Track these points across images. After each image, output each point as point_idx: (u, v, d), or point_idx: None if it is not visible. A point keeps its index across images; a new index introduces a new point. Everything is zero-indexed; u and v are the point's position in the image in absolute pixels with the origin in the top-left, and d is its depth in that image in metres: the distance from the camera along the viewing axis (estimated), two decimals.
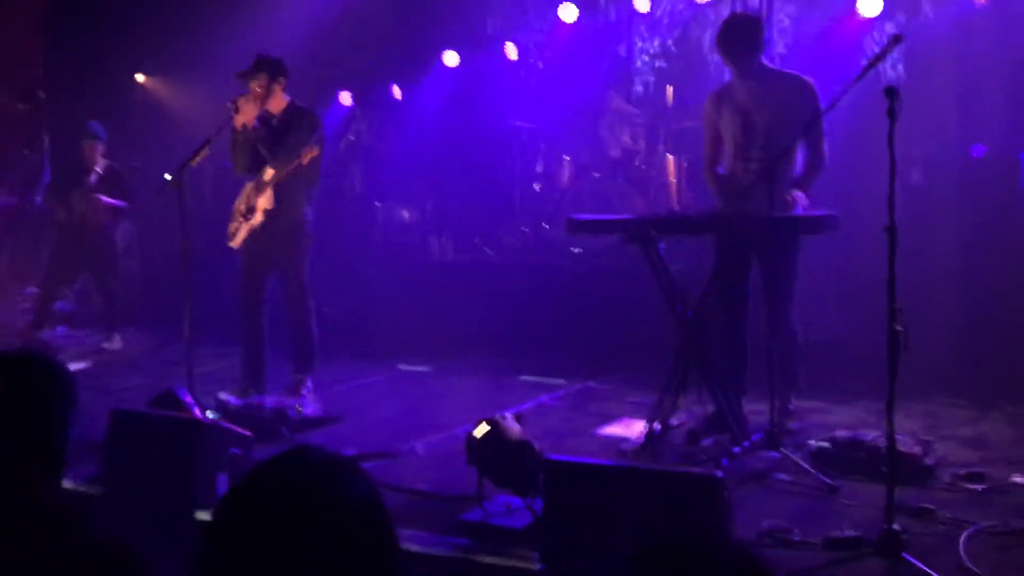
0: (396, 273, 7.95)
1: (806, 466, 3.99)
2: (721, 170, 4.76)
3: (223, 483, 3.88)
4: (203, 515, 3.76)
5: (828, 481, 3.85)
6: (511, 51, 9.02)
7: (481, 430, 3.66)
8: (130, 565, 1.63)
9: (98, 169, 7.33)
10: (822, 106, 4.38)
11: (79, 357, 7.00)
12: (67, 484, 3.94)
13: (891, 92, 3.33)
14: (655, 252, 4.26)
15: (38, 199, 8.46)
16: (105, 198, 7.24)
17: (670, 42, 8.82)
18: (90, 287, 7.94)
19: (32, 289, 7.85)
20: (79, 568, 1.57)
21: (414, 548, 3.36)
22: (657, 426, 4.32)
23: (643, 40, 9.02)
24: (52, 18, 8.77)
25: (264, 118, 5.34)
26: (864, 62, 4.08)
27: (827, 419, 4.87)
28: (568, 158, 8.00)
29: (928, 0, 7.13)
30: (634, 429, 4.68)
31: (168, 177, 4.92)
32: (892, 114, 3.32)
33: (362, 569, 1.23)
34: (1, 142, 8.49)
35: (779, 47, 8.08)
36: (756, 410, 4.65)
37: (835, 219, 4.24)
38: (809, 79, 4.56)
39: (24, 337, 7.12)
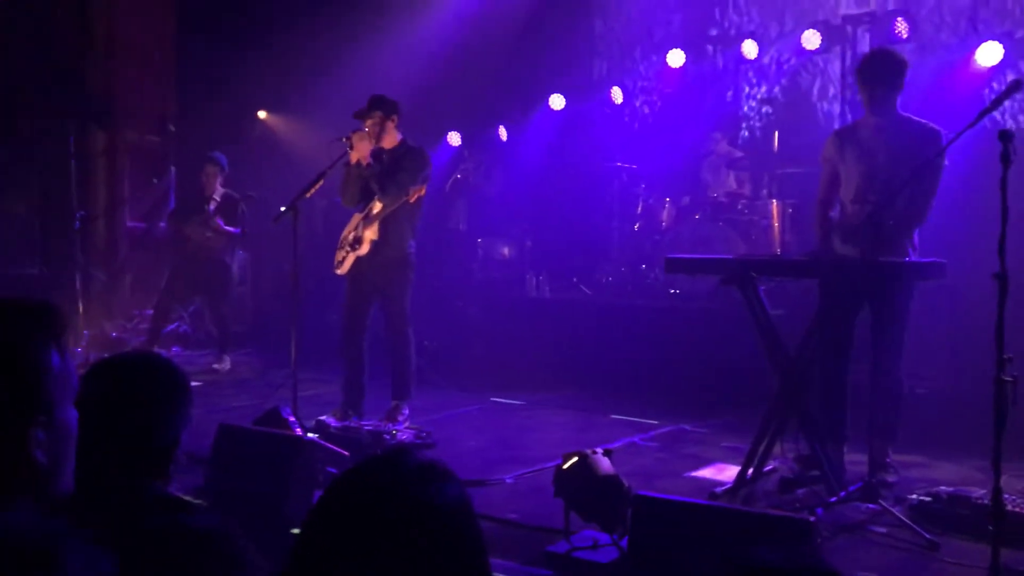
0: (494, 308, 8.08)
1: (905, 520, 3.86)
2: (833, 214, 4.68)
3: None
4: (299, 530, 3.89)
5: (929, 536, 3.71)
6: (617, 95, 9.13)
7: (570, 462, 3.68)
8: (232, 549, 1.72)
9: (216, 197, 7.73)
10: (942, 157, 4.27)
11: (191, 376, 7.32)
12: (173, 493, 4.13)
13: (1005, 136, 3.25)
14: (755, 294, 4.22)
15: (162, 225, 8.96)
16: (221, 222, 7.62)
17: (777, 89, 8.78)
18: (204, 310, 8.34)
19: (150, 310, 8.29)
20: (184, 551, 1.68)
21: None
22: (750, 471, 4.25)
23: (751, 86, 9.01)
24: (182, 56, 9.34)
25: (376, 154, 5.55)
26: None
27: (928, 474, 4.69)
28: (669, 200, 8.01)
29: None
30: (727, 474, 4.61)
31: (283, 208, 5.17)
32: (1006, 158, 3.24)
33: (452, 573, 1.28)
34: (133, 172, 9.05)
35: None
36: (854, 460, 4.54)
37: (942, 267, 4.13)
38: (939, 129, 4.43)
39: None
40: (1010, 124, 6.81)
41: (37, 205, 8.56)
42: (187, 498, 4.05)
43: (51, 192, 8.44)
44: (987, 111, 3.88)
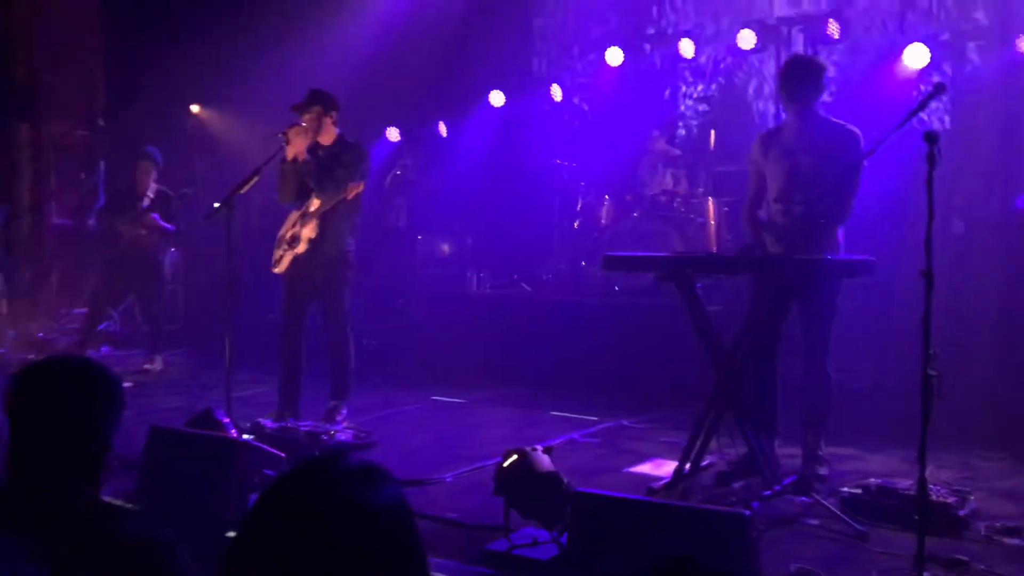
0: (434, 306, 8.05)
1: (837, 512, 3.95)
2: (761, 213, 4.78)
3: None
4: (234, 533, 3.82)
5: (859, 528, 3.81)
6: (556, 92, 9.16)
7: (509, 460, 3.68)
8: (165, 557, 1.68)
9: (149, 194, 7.55)
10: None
11: (121, 377, 7.14)
12: (104, 498, 4.03)
13: (931, 137, 3.34)
14: (691, 291, 4.28)
15: (91, 222, 8.72)
16: (157, 218, 7.45)
17: (714, 87, 8.91)
18: (135, 309, 8.14)
19: (79, 309, 8.06)
20: (116, 562, 1.63)
21: None
22: (687, 466, 4.31)
23: (687, 85, 9.12)
24: (112, 49, 9.10)
25: (313, 150, 5.48)
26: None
27: (860, 466, 4.81)
28: (608, 197, 8.07)
29: (974, 50, 7.14)
30: (665, 469, 4.67)
31: (217, 205, 5.07)
32: (931, 159, 3.33)
33: (389, 573, 1.27)
34: (60, 167, 8.79)
35: (824, 96, 8.13)
36: (789, 454, 4.63)
37: (872, 264, 4.24)
38: (856, 130, 4.57)
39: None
40: (936, 125, 7.02)
41: None
42: (119, 503, 3.97)
43: None
44: (913, 113, 3.99)
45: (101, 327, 7.91)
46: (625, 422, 5.88)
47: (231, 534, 3.81)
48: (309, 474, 1.30)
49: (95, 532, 1.69)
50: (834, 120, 4.65)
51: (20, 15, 8.51)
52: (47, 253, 8.79)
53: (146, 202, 7.50)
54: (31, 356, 7.27)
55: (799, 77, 4.56)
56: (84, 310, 7.86)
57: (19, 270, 8.39)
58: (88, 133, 8.95)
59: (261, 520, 1.27)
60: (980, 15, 7.22)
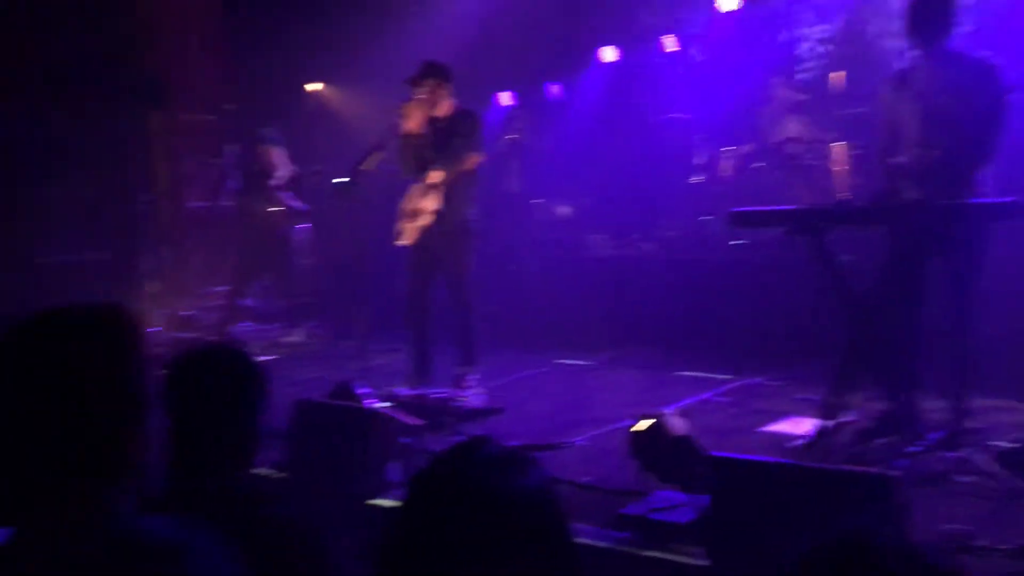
0: (554, 269, 8.04)
1: (991, 468, 3.76)
2: (896, 159, 4.55)
3: (394, 471, 4.07)
4: (375, 501, 3.97)
5: (1017, 483, 3.62)
6: (669, 43, 8.93)
7: (644, 425, 3.67)
8: (306, 542, 1.76)
9: (280, 173, 7.81)
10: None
11: (264, 350, 7.48)
12: (256, 470, 4.24)
13: None
14: (823, 245, 4.12)
15: (224, 203, 9.10)
16: (288, 198, 7.71)
17: (837, 27, 8.49)
18: (272, 284, 8.48)
19: (220, 287, 8.46)
20: (265, 546, 1.71)
21: (577, 540, 3.40)
22: (827, 424, 4.19)
23: (808, 26, 8.72)
24: (235, 35, 9.41)
25: (431, 122, 5.53)
26: None
27: (1016, 418, 4.57)
28: (728, 149, 7.84)
29: None
30: (802, 427, 4.55)
31: (337, 181, 5.20)
32: None
33: (538, 559, 1.28)
34: (190, 152, 9.19)
35: (956, 29, 7.64)
36: (935, 408, 4.43)
37: (1019, 205, 3.97)
38: (996, 62, 4.26)
39: (215, 332, 7.68)
40: None
41: (101, 190, 8.75)
42: (270, 473, 4.15)
43: (114, 176, 8.62)
44: None
45: (242, 303, 8.27)
46: (758, 380, 5.76)
47: (370, 502, 3.96)
48: (452, 465, 1.32)
49: (246, 516, 1.77)
50: (970, 54, 4.34)
51: (148, 9, 8.89)
52: (186, 235, 9.25)
53: (275, 181, 7.77)
54: (180, 334, 7.70)
55: (927, 11, 4.27)
56: (225, 288, 8.25)
57: (162, 253, 8.86)
58: (216, 118, 9.32)
59: (411, 510, 1.30)
60: None
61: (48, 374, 1.25)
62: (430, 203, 5.56)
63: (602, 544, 3.42)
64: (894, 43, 8.09)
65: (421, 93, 5.49)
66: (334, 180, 5.23)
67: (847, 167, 7.16)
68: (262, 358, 7.34)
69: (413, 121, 5.46)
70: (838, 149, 7.25)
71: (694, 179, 8.13)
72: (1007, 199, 4.07)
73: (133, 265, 8.40)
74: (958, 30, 4.36)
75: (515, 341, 7.13)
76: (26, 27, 7.91)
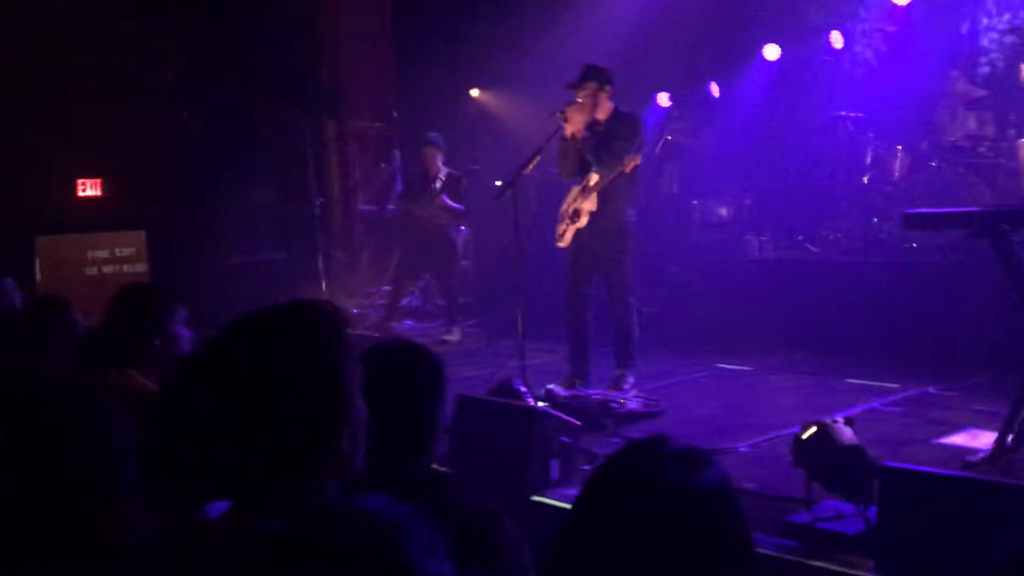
0: (713, 271, 7.92)
1: None
2: None
3: (555, 469, 4.15)
4: (538, 498, 4.05)
5: None
6: (837, 39, 8.61)
7: (809, 432, 3.58)
8: (495, 525, 1.83)
9: (440, 176, 8.08)
10: None
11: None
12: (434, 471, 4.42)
13: None
14: (1009, 248, 3.89)
15: (391, 207, 9.50)
16: (448, 200, 7.97)
17: (1022, 17, 7.94)
18: (433, 285, 8.78)
19: (385, 287, 8.83)
20: (451, 528, 1.80)
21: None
22: (1010, 438, 3.95)
23: (989, 16, 8.21)
24: (401, 44, 9.80)
25: (591, 125, 5.58)
26: None
27: None
28: (901, 147, 7.49)
29: None
30: (981, 440, 4.31)
31: (499, 184, 5.34)
32: None
33: (715, 556, 1.30)
34: (362, 158, 9.65)
35: None
36: None
37: None
38: None
39: (379, 329, 8.02)
40: None
41: (279, 194, 9.33)
42: (435, 467, 4.32)
43: (290, 182, 9.16)
44: None
45: (404, 302, 8.60)
46: (931, 389, 5.48)
47: (536, 498, 4.05)
48: (632, 462, 1.37)
49: (431, 503, 1.87)
50: None
51: (327, 25, 9.40)
52: (356, 237, 9.71)
53: (437, 184, 8.04)
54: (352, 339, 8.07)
55: None
56: (388, 287, 8.60)
57: (334, 254, 9.34)
58: (384, 125, 9.74)
59: (590, 510, 1.35)
60: None
61: (266, 365, 1.36)
62: (589, 204, 5.61)
63: (768, 552, 3.37)
64: None
65: (582, 97, 5.55)
66: (497, 183, 5.37)
67: None
68: None
69: (574, 124, 5.53)
70: (1022, 147, 6.80)
71: (864, 178, 7.81)
72: None
73: (308, 266, 8.89)
74: None
75: (675, 344, 7.07)
76: (213, 41, 8.52)
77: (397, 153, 9.67)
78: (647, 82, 9.34)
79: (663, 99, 9.64)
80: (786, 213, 8.35)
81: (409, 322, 8.72)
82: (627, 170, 5.53)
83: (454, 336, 8.05)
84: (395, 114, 9.73)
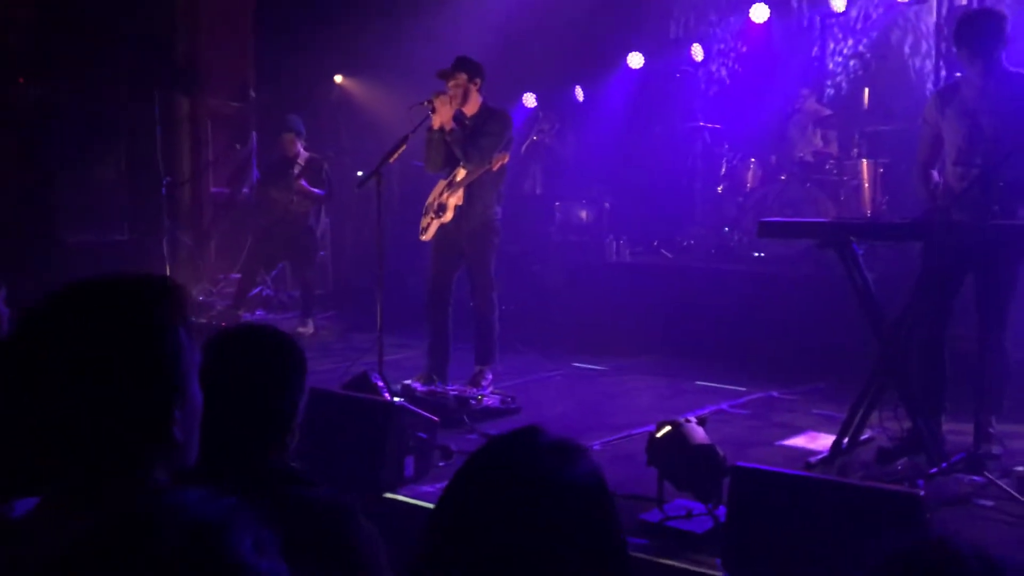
0: (573, 273, 8.01)
1: (1013, 492, 3.71)
2: (934, 175, 4.49)
3: (410, 465, 4.05)
4: (391, 495, 3.94)
5: None
6: (697, 52, 8.90)
7: (663, 431, 3.63)
8: (347, 522, 1.73)
9: (300, 161, 7.81)
10: None
11: None
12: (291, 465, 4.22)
13: None
14: (854, 259, 4.08)
15: (245, 190, 9.11)
16: (307, 185, 7.71)
17: (866, 43, 8.45)
18: (288, 274, 8.47)
19: (235, 274, 8.45)
20: (302, 526, 1.69)
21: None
22: (846, 440, 4.15)
23: (837, 41, 8.69)
24: (262, 23, 9.42)
25: (459, 119, 5.51)
26: None
27: None
28: (754, 160, 7.80)
29: None
30: (820, 442, 4.52)
31: (362, 173, 5.19)
32: None
33: (587, 548, 1.25)
34: (216, 138, 9.20)
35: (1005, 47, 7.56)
36: (953, 431, 4.39)
37: None
38: None
39: (225, 318, 7.67)
40: None
41: (123, 172, 8.76)
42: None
43: (137, 159, 8.63)
44: None
45: (255, 292, 8.27)
46: (775, 393, 5.71)
47: (390, 496, 3.93)
48: (506, 451, 1.30)
49: (283, 496, 1.74)
50: (1021, 72, 4.28)
51: None
52: (206, 221, 9.25)
53: (296, 169, 7.77)
54: (191, 319, 7.68)
55: (980, 28, 4.20)
56: (238, 274, 8.24)
57: (181, 237, 8.87)
58: (241, 105, 9.33)
59: (460, 498, 1.28)
60: None
61: (89, 342, 1.21)
62: (456, 199, 5.54)
63: None
64: (925, 62, 8.06)
65: (452, 87, 5.47)
66: (360, 172, 5.21)
67: (871, 183, 7.12)
68: None
69: (442, 116, 5.44)
70: (864, 165, 7.21)
71: (718, 188, 8.09)
72: None
73: (153, 248, 8.40)
74: (1008, 48, 4.28)
75: (534, 343, 7.10)
76: (57, 9, 7.92)
77: (254, 135, 9.28)
78: (514, 82, 9.36)
79: (529, 100, 9.70)
80: (644, 218, 8.56)
81: (260, 312, 8.38)
82: (494, 168, 5.50)
83: (308, 329, 7.80)
84: (253, 94, 9.33)
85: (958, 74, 4.55)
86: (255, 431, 1.82)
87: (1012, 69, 4.27)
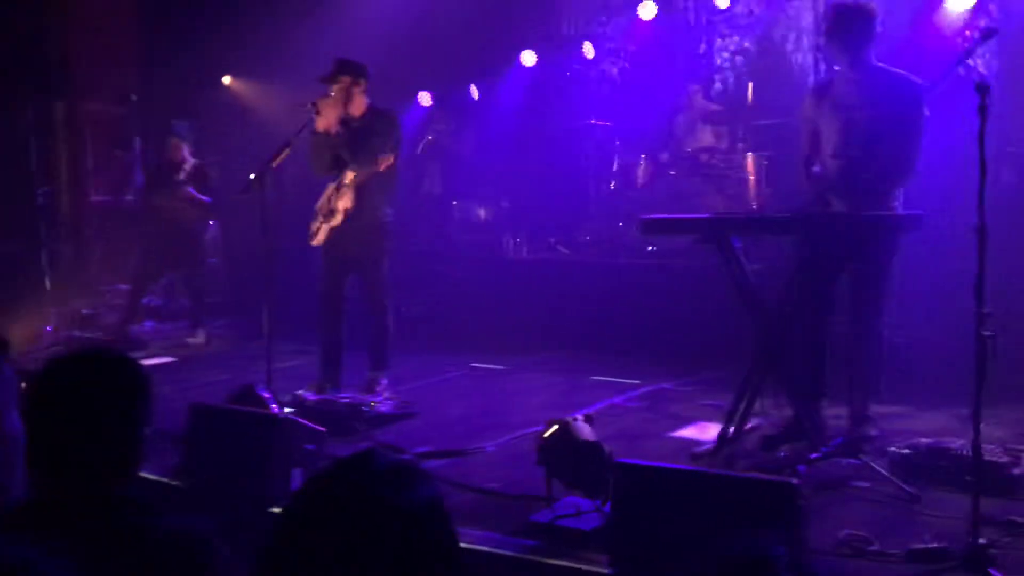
0: (471, 272, 8.00)
1: (887, 474, 3.86)
2: (816, 169, 4.62)
3: (297, 478, 3.96)
4: (278, 509, 3.85)
5: (910, 490, 3.73)
6: (588, 50, 8.99)
7: (551, 431, 3.65)
8: (200, 550, 1.67)
9: (186, 167, 7.58)
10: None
11: (165, 351, 7.25)
12: (150, 475, 4.08)
13: (982, 88, 3.20)
14: (732, 253, 4.17)
15: (129, 198, 8.79)
16: (194, 192, 7.48)
17: (750, 40, 8.67)
18: (177, 283, 8.22)
19: (122, 285, 8.15)
20: (150, 557, 1.62)
21: (483, 548, 3.37)
22: (731, 430, 4.25)
23: (723, 38, 8.89)
24: (144, 24, 9.09)
25: (345, 121, 5.42)
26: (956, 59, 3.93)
27: (910, 426, 4.71)
28: (644, 156, 7.93)
29: None
30: (709, 432, 4.61)
31: (252, 177, 5.06)
32: (983, 111, 3.19)
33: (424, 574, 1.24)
34: (96, 144, 8.84)
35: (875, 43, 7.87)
36: (836, 415, 4.54)
37: (921, 219, 4.09)
38: (917, 80, 4.34)
39: (113, 331, 7.40)
40: (984, 72, 6.75)
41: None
42: (164, 480, 3.99)
43: (10, 167, 8.22)
44: (961, 61, 3.84)
45: (144, 302, 7.99)
46: (667, 385, 5.82)
47: (276, 510, 3.84)
48: (341, 476, 1.27)
49: (127, 527, 1.67)
50: (892, 69, 4.40)
51: None
52: (88, 230, 8.88)
53: (182, 175, 7.54)
54: (80, 333, 7.38)
55: (846, 24, 4.34)
56: (127, 286, 7.95)
57: (60, 248, 8.49)
58: (122, 109, 8.98)
59: (294, 525, 1.25)
60: None
61: None
62: (344, 203, 5.45)
63: (508, 552, 3.39)
64: (807, 57, 8.32)
65: (335, 91, 5.38)
66: (252, 176, 5.07)
67: (757, 176, 7.31)
68: (162, 359, 7.11)
69: (327, 119, 5.35)
70: (749, 159, 7.41)
71: (611, 185, 8.19)
72: (913, 212, 4.20)
73: (30, 261, 8.03)
74: (877, 43, 4.43)
75: (432, 344, 7.08)
76: None
77: (137, 140, 8.96)
78: (409, 81, 9.30)
79: (425, 99, 9.64)
80: (541, 216, 8.61)
81: (149, 323, 8.12)
82: (381, 168, 5.43)
83: (199, 338, 7.59)
84: (135, 97, 9.00)
85: (837, 68, 4.68)
86: (96, 460, 1.73)
87: (880, 65, 4.43)
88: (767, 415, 4.41)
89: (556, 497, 3.62)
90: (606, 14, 9.40)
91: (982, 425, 3.20)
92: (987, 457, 3.67)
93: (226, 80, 9.88)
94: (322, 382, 5.46)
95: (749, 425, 4.44)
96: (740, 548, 1.17)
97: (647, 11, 8.56)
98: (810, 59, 8.14)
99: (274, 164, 5.11)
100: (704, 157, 7.64)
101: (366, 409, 4.91)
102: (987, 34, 3.76)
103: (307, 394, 5.14)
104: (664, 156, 7.94)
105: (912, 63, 5.53)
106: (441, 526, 1.29)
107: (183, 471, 4.09)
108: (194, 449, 4.11)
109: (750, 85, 7.96)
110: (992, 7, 6.88)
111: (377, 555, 1.21)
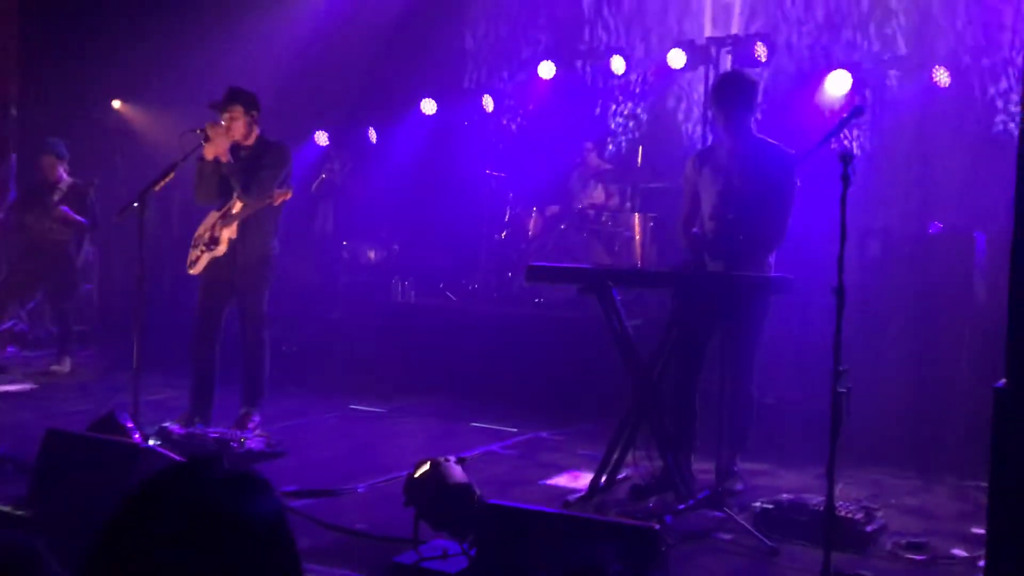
0: (358, 313, 7.92)
1: (748, 527, 3.97)
2: (695, 230, 4.79)
3: None
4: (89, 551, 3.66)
5: (768, 543, 3.83)
6: (488, 103, 9.15)
7: (421, 470, 3.61)
8: (27, 566, 1.57)
9: (61, 186, 7.28)
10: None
11: (25, 378, 6.87)
12: None
13: (845, 157, 3.40)
14: (612, 304, 4.27)
15: (0, 216, 8.37)
16: (69, 212, 7.18)
17: (643, 106, 8.99)
18: (45, 307, 7.83)
19: None
20: None
21: None
22: (602, 479, 4.29)
23: (617, 103, 9.19)
24: (27, 38, 8.77)
25: (234, 150, 5.33)
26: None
27: (774, 482, 4.86)
28: (536, 209, 8.07)
29: (894, 79, 7.36)
30: (581, 481, 4.65)
31: (131, 202, 4.91)
32: (845, 179, 3.39)
33: None
34: None
35: (756, 114, 8.28)
36: (705, 469, 4.65)
37: (791, 281, 4.29)
38: (791, 152, 4.58)
39: None
40: (859, 150, 7.20)
41: None
42: (7, 510, 3.76)
43: None
44: (833, 133, 4.09)
45: (7, 326, 7.58)
46: (544, 434, 5.85)
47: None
48: (173, 484, 1.22)
49: None
50: (770, 141, 4.64)
51: None
52: None
53: (57, 195, 7.23)
54: None
55: (730, 93, 4.56)
56: None
57: None
58: None
59: (118, 533, 1.18)
60: (900, 44, 7.44)
61: None
62: (228, 232, 5.33)
63: None
64: (696, 127, 8.67)
65: (226, 119, 5.30)
66: (135, 204, 4.90)
67: (643, 235, 7.54)
68: (21, 386, 6.73)
69: (217, 147, 5.23)
70: (636, 218, 7.63)
71: (502, 235, 8.29)
72: (784, 275, 4.39)
73: None
74: (759, 115, 4.66)
75: (310, 384, 6.93)
76: None
77: (14, 156, 8.57)
78: (307, 118, 9.25)
79: (321, 138, 9.60)
80: (431, 261, 8.62)
81: (12, 349, 7.69)
82: (276, 203, 5.35)
83: (64, 367, 7.23)
84: (15, 111, 8.63)
85: (719, 134, 4.91)
86: None
87: (759, 135, 4.66)
88: (638, 466, 4.48)
89: (424, 539, 3.57)
90: (508, 70, 9.60)
91: (843, 485, 3.32)
92: (843, 513, 3.84)
93: (116, 104, 9.60)
94: (191, 415, 5.27)
95: (621, 475, 4.51)
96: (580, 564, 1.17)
97: (546, 70, 8.79)
98: (699, 130, 8.51)
99: (156, 188, 4.98)
100: (593, 213, 7.82)
101: (235, 445, 4.76)
102: (855, 112, 4.02)
103: (174, 427, 4.94)
104: (555, 210, 8.09)
105: (790, 137, 5.86)
106: (281, 544, 1.24)
107: (31, 500, 3.85)
108: (46, 477, 3.88)
109: (640, 148, 8.24)
110: (867, 92, 7.36)
111: (206, 571, 1.16)
